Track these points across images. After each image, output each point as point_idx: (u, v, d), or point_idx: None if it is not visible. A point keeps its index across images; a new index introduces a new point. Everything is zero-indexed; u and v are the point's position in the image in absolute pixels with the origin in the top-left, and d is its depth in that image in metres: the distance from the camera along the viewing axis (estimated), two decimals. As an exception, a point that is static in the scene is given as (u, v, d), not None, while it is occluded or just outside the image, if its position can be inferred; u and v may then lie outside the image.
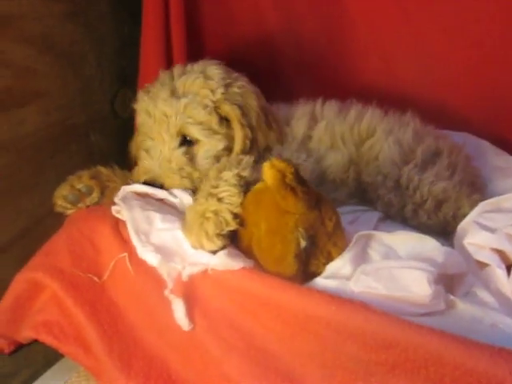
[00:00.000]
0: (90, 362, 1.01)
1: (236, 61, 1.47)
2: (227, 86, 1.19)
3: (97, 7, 1.44)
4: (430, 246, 0.97)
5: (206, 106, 1.16)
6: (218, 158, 1.17)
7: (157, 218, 1.03)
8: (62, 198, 1.16)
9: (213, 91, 1.17)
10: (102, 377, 1.01)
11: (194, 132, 1.16)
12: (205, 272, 0.94)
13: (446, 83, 1.53)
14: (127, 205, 1.05)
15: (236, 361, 0.91)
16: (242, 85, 1.21)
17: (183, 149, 1.16)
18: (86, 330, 1.00)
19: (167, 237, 1.00)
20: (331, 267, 0.96)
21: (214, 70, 1.21)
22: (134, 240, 0.99)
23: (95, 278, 1.03)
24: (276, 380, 0.88)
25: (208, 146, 1.17)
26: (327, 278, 0.94)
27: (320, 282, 0.92)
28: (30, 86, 1.27)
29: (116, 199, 1.08)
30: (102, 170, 1.23)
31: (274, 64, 1.61)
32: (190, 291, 0.96)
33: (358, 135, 1.29)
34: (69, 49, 1.36)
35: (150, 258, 0.97)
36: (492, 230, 0.99)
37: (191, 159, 1.17)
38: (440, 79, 1.53)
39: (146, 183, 1.13)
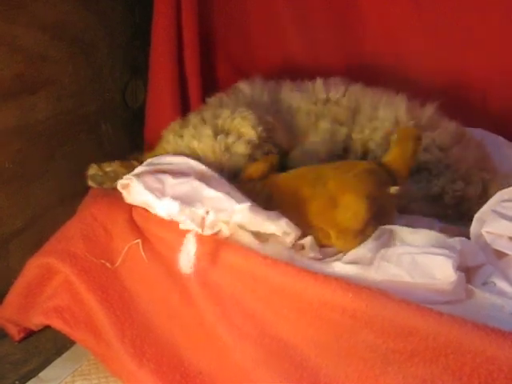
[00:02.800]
0: (100, 348, 1.00)
1: (247, 55, 1.48)
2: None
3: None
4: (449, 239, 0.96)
5: (250, 142, 1.15)
6: None
7: (168, 177, 1.02)
8: (89, 176, 1.18)
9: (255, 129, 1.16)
10: (112, 363, 1.00)
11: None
12: (218, 256, 0.93)
13: (459, 79, 1.51)
14: (136, 174, 1.04)
15: (249, 349, 0.90)
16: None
17: None
18: (98, 315, 0.99)
19: (184, 188, 0.99)
20: (352, 254, 0.95)
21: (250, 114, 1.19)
22: (149, 197, 0.99)
23: (108, 264, 1.02)
24: (290, 368, 0.87)
25: None
26: (348, 263, 0.93)
27: (340, 267, 0.91)
28: (42, 72, 1.26)
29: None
30: (135, 163, 1.22)
31: (285, 60, 1.59)
32: (202, 278, 0.95)
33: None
34: (81, 36, 1.35)
35: (169, 207, 0.96)
36: (511, 219, 0.97)
37: None
38: (453, 74, 1.51)
39: None
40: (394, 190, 1.01)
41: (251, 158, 1.14)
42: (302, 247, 0.96)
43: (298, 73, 1.57)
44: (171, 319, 0.98)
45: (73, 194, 1.24)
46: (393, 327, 0.81)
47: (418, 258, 0.88)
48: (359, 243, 0.97)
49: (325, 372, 0.85)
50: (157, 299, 1.00)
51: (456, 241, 0.94)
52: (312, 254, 0.95)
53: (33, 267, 1.06)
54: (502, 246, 0.96)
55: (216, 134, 1.14)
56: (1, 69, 1.15)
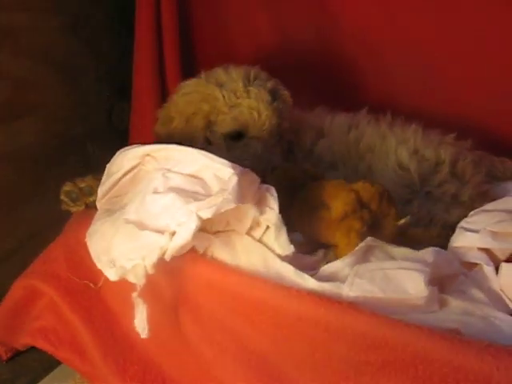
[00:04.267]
0: (85, 367, 1.02)
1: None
2: None
3: (95, 21, 1.47)
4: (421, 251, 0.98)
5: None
6: None
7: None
8: (64, 193, 1.18)
9: None
10: (98, 382, 1.02)
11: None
12: (196, 276, 0.95)
13: (447, 93, 1.52)
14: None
15: (229, 364, 0.92)
16: None
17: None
18: (82, 335, 1.02)
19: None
20: (329, 268, 0.97)
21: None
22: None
23: (91, 285, 1.05)
24: (268, 382, 0.88)
25: None
26: (323, 280, 0.95)
27: (315, 284, 0.92)
28: (28, 97, 1.29)
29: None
30: None
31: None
32: (182, 297, 0.97)
33: (356, 154, 1.30)
34: (67, 61, 1.39)
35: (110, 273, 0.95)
36: (476, 231, 1.00)
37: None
38: (440, 88, 1.52)
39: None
40: (402, 221, 1.05)
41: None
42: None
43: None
44: (154, 338, 0.99)
45: (61, 217, 1.26)
46: (364, 340, 0.82)
47: (389, 274, 0.90)
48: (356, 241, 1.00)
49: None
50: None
51: (429, 252, 0.96)
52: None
53: (18, 289, 1.09)
54: (472, 257, 0.99)
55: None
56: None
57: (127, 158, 1.05)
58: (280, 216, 0.97)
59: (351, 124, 1.34)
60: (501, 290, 0.92)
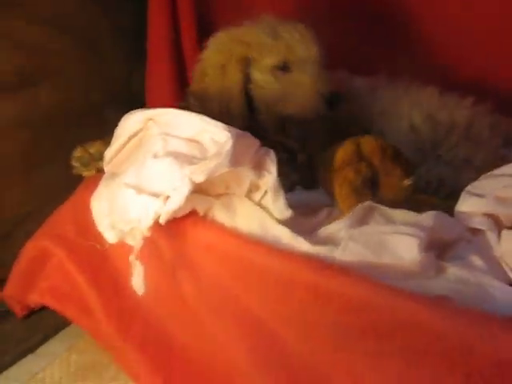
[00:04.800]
0: (91, 324, 1.06)
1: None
2: None
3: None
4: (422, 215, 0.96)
5: None
6: None
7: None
8: (75, 159, 1.21)
9: None
10: (103, 339, 1.06)
11: None
12: (194, 238, 0.97)
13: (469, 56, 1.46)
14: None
15: (222, 322, 0.94)
16: None
17: None
18: (88, 294, 1.05)
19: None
20: (326, 230, 0.96)
21: None
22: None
23: (98, 246, 1.07)
24: (259, 341, 0.90)
25: None
26: (320, 242, 0.94)
27: (308, 247, 0.91)
28: (45, 64, 1.32)
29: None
30: None
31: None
32: (181, 257, 0.99)
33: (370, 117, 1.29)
34: (84, 27, 1.41)
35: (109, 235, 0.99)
36: (482, 196, 0.97)
37: None
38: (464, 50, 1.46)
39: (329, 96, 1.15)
40: (407, 181, 1.04)
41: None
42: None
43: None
44: (156, 298, 1.02)
45: (78, 181, 1.30)
46: (351, 304, 0.82)
47: (384, 238, 0.89)
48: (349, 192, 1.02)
49: (291, 345, 0.88)
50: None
51: (429, 215, 0.94)
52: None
53: (30, 249, 1.14)
54: (476, 222, 0.96)
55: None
56: (2, 63, 1.22)
57: (131, 123, 1.06)
58: (278, 180, 0.97)
59: (368, 87, 1.31)
60: (500, 257, 0.89)
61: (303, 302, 0.87)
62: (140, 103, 1.55)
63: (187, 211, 0.98)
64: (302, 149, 1.18)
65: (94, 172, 1.20)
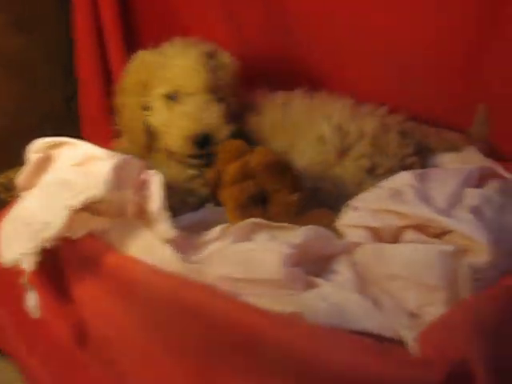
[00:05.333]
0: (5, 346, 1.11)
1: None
2: None
3: (39, 13, 1.51)
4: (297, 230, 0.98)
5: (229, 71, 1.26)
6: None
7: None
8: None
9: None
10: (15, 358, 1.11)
11: (225, 91, 1.24)
12: (83, 259, 1.01)
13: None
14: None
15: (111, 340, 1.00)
16: None
17: (221, 103, 1.23)
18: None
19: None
20: (212, 247, 0.99)
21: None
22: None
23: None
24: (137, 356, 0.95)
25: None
26: (205, 259, 0.97)
27: (182, 266, 0.93)
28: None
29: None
30: None
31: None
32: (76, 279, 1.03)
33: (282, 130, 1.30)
34: (15, 56, 1.46)
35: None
36: (360, 209, 0.99)
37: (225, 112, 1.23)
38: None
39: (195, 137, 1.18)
40: (294, 197, 1.07)
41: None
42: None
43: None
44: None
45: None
46: (216, 321, 0.85)
47: (252, 255, 0.92)
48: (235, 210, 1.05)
49: (168, 364, 0.92)
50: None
51: (304, 230, 0.96)
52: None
53: None
54: (356, 236, 0.98)
55: None
56: None
57: (33, 150, 1.11)
58: (162, 201, 1.00)
59: (285, 101, 1.33)
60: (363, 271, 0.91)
61: (172, 320, 0.90)
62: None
63: (84, 233, 1.02)
64: (210, 164, 1.21)
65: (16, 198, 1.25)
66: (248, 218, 1.03)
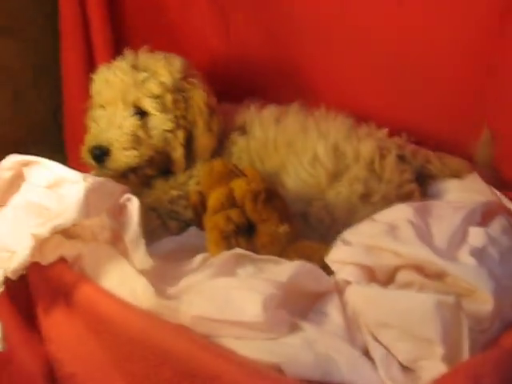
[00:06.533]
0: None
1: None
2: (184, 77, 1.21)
3: (31, 21, 1.46)
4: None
5: (162, 84, 1.18)
6: (166, 139, 1.19)
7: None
8: None
9: (172, 74, 1.19)
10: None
11: (148, 104, 1.17)
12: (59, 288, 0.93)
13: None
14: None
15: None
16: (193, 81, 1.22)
17: (136, 117, 1.17)
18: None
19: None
20: (189, 279, 0.92)
21: (177, 61, 1.22)
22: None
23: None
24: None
25: (158, 120, 1.18)
26: (181, 293, 0.89)
27: (155, 302, 0.86)
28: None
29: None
30: None
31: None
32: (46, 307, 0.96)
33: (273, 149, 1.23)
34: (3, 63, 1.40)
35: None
36: (352, 244, 0.91)
37: (143, 128, 1.17)
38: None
39: (92, 150, 1.15)
40: (283, 228, 0.99)
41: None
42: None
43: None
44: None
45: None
46: (185, 365, 0.78)
47: (231, 293, 0.84)
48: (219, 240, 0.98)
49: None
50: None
51: (290, 267, 0.88)
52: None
53: None
54: (346, 273, 0.90)
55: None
56: None
57: (5, 167, 1.04)
58: (138, 228, 0.93)
59: (278, 117, 1.26)
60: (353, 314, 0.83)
61: (143, 361, 0.83)
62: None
63: (55, 257, 0.95)
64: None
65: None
66: (230, 249, 0.96)
